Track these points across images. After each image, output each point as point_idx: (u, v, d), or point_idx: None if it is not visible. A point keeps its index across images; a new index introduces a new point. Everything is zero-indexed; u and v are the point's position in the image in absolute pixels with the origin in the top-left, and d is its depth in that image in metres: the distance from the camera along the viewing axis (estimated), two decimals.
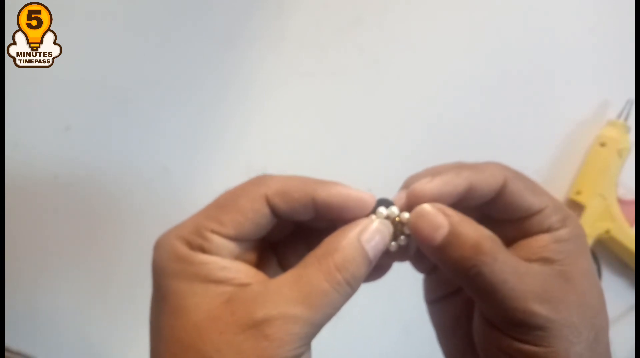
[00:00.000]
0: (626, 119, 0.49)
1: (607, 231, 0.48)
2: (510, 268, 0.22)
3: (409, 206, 0.23)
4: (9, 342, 0.46)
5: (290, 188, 0.22)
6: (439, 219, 0.22)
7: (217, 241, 0.22)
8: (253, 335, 0.20)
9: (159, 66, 0.47)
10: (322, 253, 0.22)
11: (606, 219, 0.48)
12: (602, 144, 0.49)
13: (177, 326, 0.21)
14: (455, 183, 0.23)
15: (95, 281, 0.47)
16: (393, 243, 0.24)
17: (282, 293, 0.21)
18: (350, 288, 0.22)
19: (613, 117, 0.50)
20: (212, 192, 0.23)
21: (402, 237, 0.24)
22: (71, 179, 0.46)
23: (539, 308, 0.22)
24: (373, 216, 0.23)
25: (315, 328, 0.21)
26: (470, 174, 0.23)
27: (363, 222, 0.23)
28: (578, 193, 0.49)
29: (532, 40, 0.50)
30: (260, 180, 0.23)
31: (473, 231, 0.22)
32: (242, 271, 0.22)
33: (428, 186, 0.23)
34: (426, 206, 0.22)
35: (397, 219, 0.23)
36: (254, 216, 0.22)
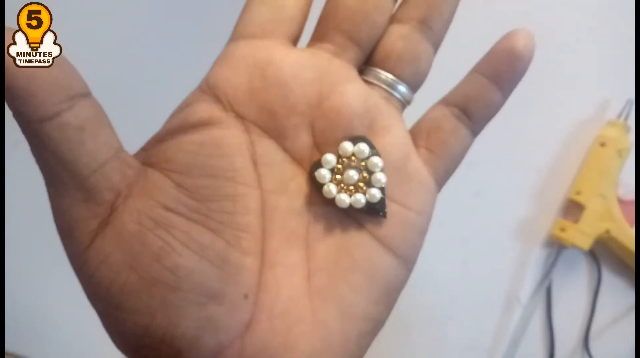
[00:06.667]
0: (626, 119, 0.49)
1: (607, 231, 0.48)
2: None
3: None
4: (8, 343, 0.46)
5: None
6: None
7: None
8: None
9: (159, 66, 0.47)
10: None
11: (606, 219, 0.48)
12: (602, 144, 0.49)
13: None
14: None
15: None
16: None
17: None
18: None
19: (613, 117, 0.50)
20: None
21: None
22: None
23: None
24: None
25: None
26: None
27: None
28: (578, 193, 0.49)
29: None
30: None
31: None
32: None
33: None
34: None
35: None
36: None
